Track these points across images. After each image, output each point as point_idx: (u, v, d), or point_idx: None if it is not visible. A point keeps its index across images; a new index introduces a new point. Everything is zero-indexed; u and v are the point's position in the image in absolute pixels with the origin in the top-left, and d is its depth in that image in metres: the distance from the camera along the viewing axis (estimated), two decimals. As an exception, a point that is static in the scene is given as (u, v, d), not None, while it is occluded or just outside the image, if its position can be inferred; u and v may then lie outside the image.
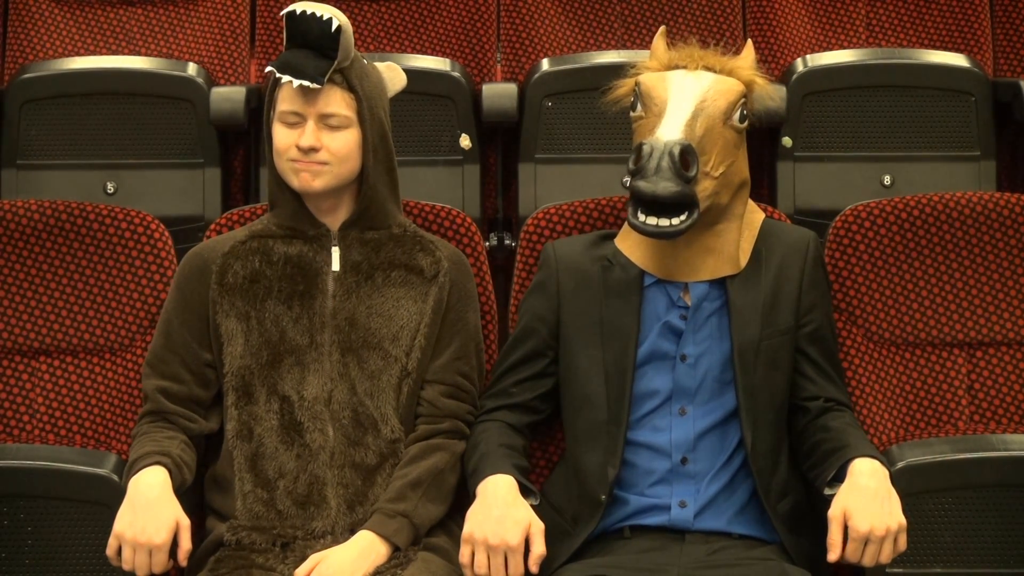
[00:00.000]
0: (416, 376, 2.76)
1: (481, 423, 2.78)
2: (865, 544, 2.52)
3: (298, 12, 2.70)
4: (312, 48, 2.70)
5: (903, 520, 2.54)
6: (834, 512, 2.54)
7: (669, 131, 2.62)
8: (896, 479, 2.66)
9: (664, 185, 2.56)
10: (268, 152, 2.79)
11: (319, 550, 2.64)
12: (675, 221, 2.60)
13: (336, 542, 2.65)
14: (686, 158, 2.58)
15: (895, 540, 2.53)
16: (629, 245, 2.77)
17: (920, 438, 2.98)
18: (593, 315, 2.75)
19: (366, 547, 2.63)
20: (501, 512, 2.58)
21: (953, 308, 3.05)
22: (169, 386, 2.76)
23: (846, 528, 2.53)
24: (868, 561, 2.52)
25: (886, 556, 2.53)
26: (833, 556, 2.53)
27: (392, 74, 2.84)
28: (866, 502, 2.53)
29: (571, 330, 2.77)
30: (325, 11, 2.69)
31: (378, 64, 2.84)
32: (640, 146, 2.60)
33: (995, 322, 3.04)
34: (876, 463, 2.59)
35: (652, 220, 2.60)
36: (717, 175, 2.64)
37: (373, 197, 2.78)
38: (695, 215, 2.61)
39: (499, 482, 2.63)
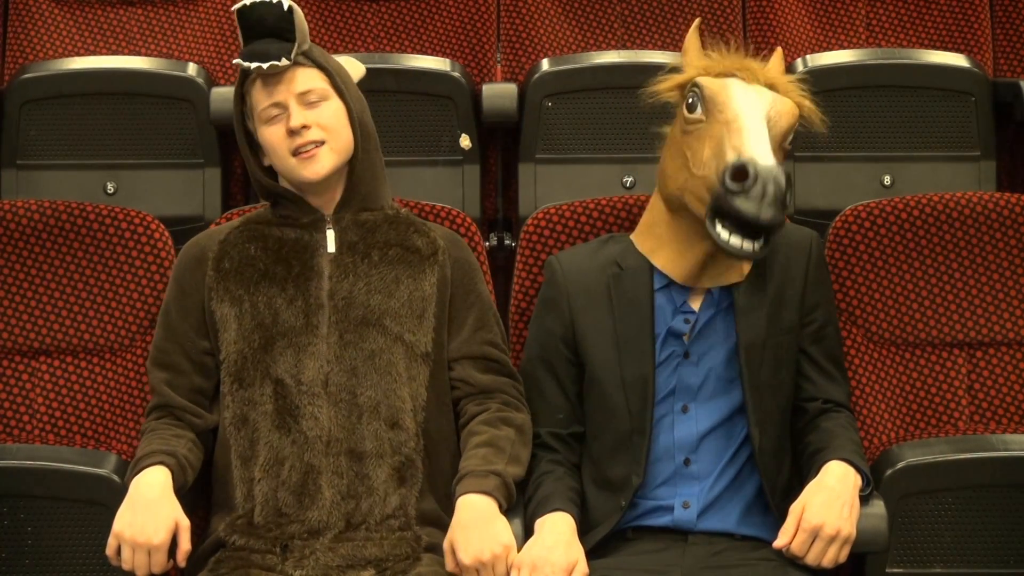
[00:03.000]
0: (436, 358, 2.75)
1: (544, 465, 2.76)
2: (813, 540, 2.54)
3: (248, 2, 2.72)
4: (270, 35, 2.72)
5: (854, 532, 2.56)
6: (795, 505, 2.58)
7: (763, 154, 2.56)
8: (896, 479, 2.66)
9: (772, 213, 2.53)
10: (250, 160, 2.81)
11: (319, 550, 2.63)
12: (757, 246, 2.58)
13: (335, 540, 2.65)
14: (788, 187, 2.56)
15: (840, 548, 2.55)
16: (651, 247, 2.76)
17: (920, 438, 2.98)
18: (607, 328, 2.74)
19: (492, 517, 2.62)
20: (554, 542, 2.60)
21: (953, 308, 3.05)
22: (172, 378, 2.76)
23: None
24: (811, 559, 2.55)
25: (829, 560, 2.55)
26: (778, 543, 2.56)
27: (350, 67, 2.86)
28: (826, 500, 2.56)
29: (587, 343, 2.76)
30: None
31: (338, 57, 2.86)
32: (743, 167, 2.53)
33: (995, 322, 3.04)
34: (849, 468, 2.61)
35: (736, 240, 2.56)
36: None
37: (364, 173, 2.79)
38: (772, 239, 2.60)
39: (558, 519, 2.64)
